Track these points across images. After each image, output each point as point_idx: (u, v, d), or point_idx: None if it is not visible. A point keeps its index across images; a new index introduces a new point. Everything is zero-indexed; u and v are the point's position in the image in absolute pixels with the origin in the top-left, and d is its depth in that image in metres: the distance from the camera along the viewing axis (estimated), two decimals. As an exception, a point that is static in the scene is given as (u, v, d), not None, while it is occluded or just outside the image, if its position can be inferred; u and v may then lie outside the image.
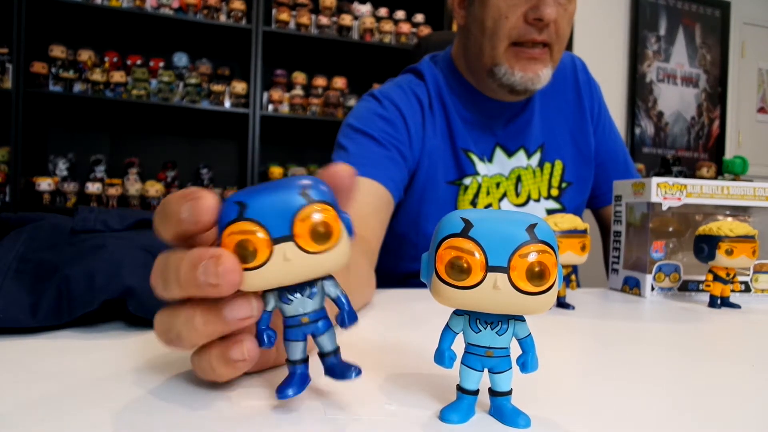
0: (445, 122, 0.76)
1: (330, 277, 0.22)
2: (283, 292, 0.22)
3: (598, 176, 0.84)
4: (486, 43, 0.69)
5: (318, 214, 0.20)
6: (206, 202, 0.21)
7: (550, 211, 0.78)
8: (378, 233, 0.66)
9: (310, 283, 0.22)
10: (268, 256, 0.20)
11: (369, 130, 0.71)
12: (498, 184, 0.76)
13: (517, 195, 0.77)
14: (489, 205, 0.75)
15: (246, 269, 0.20)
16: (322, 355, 0.23)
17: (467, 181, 0.75)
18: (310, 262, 0.20)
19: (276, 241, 0.20)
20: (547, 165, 0.78)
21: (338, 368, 0.22)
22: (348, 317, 0.22)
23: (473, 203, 0.74)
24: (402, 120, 0.73)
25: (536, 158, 0.78)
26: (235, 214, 0.20)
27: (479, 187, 0.75)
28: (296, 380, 0.22)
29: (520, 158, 0.78)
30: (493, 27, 0.67)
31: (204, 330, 0.22)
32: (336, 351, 0.23)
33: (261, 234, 0.20)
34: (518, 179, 0.77)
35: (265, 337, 0.22)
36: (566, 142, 0.80)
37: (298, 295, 0.22)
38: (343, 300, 0.22)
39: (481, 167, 0.76)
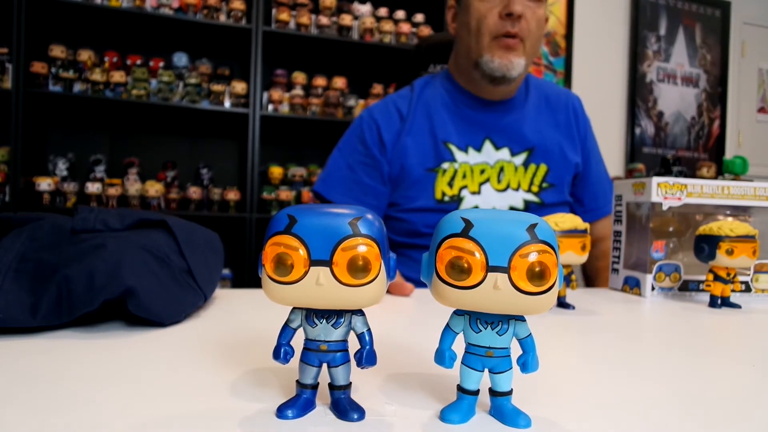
0: (428, 122, 0.88)
1: (361, 312, 0.22)
2: (310, 314, 0.22)
3: (589, 194, 0.94)
4: (472, 40, 0.83)
5: (360, 248, 0.20)
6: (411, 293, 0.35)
7: (526, 202, 0.87)
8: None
9: (339, 313, 0.22)
10: (302, 275, 0.20)
11: (346, 155, 0.87)
12: (483, 171, 0.87)
13: (499, 182, 0.87)
14: (464, 187, 0.85)
15: (279, 282, 0.20)
16: (332, 387, 0.22)
17: (445, 165, 0.86)
18: (342, 292, 0.20)
19: (314, 263, 0.20)
20: (532, 166, 0.88)
21: (343, 405, 0.22)
22: (366, 357, 0.22)
23: (450, 184, 0.85)
24: (377, 132, 0.87)
25: (521, 158, 0.88)
26: (283, 226, 0.20)
27: (455, 171, 0.85)
28: (300, 404, 0.22)
29: (504, 153, 0.88)
30: (477, 26, 0.82)
31: None
32: (347, 387, 0.22)
33: (302, 252, 0.20)
34: (501, 169, 0.87)
35: (282, 351, 0.22)
36: (554, 150, 0.90)
37: (324, 321, 0.22)
38: (368, 338, 0.22)
39: (460, 155, 0.87)
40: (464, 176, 0.85)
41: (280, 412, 0.22)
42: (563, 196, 0.90)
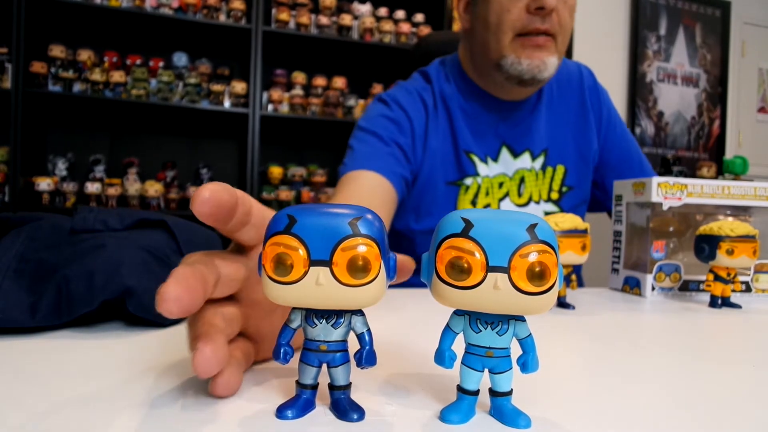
0: (449, 124, 0.77)
1: (361, 312, 0.22)
2: (310, 314, 0.22)
3: (614, 178, 0.84)
4: (491, 38, 0.70)
5: (360, 248, 0.20)
6: (201, 195, 0.21)
7: (547, 214, 0.80)
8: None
9: (339, 313, 0.22)
10: (302, 275, 0.20)
11: (375, 129, 0.73)
12: (501, 184, 0.77)
13: (519, 195, 0.78)
14: (488, 205, 0.76)
15: (279, 282, 0.20)
16: (332, 388, 0.22)
17: (468, 181, 0.77)
18: (341, 292, 0.20)
19: (314, 263, 0.20)
20: (549, 169, 0.80)
21: (343, 405, 0.22)
22: (366, 357, 0.22)
23: (473, 203, 0.76)
24: (408, 121, 0.75)
25: (540, 161, 0.79)
26: (283, 226, 0.20)
27: (479, 187, 0.76)
28: (299, 404, 0.22)
29: (525, 160, 0.79)
30: (497, 21, 0.69)
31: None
32: (347, 387, 0.22)
33: (301, 252, 0.20)
34: (522, 180, 0.78)
35: (281, 352, 0.22)
36: (569, 147, 0.81)
37: (323, 321, 0.22)
38: (367, 339, 0.22)
39: (482, 168, 0.77)
40: (487, 193, 0.76)
41: (280, 412, 0.22)
42: (581, 196, 0.83)
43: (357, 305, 0.21)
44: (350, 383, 0.23)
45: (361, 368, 0.22)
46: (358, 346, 0.22)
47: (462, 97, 0.78)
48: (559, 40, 0.70)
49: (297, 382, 0.23)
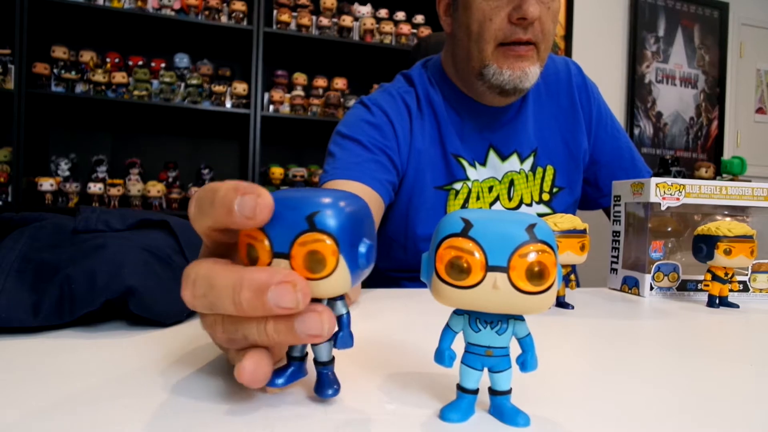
0: (436, 127, 0.77)
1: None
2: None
3: (606, 176, 0.85)
4: (473, 46, 0.70)
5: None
6: (266, 200, 0.20)
7: (540, 216, 0.79)
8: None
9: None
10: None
11: (356, 135, 0.72)
12: (491, 188, 0.76)
13: (510, 199, 0.77)
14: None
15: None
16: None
17: (458, 186, 0.76)
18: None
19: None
20: (539, 170, 0.79)
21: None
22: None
23: (463, 208, 0.76)
24: (390, 126, 0.74)
25: (529, 163, 0.79)
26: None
27: (469, 192, 0.75)
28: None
29: (514, 163, 0.78)
30: (479, 30, 0.68)
31: (276, 338, 0.21)
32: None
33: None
34: (511, 183, 0.78)
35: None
36: (558, 147, 0.80)
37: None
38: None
39: (472, 172, 0.76)
40: (478, 197, 0.75)
41: (270, 382, 0.22)
42: (573, 196, 0.83)
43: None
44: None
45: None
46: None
47: (447, 101, 0.78)
48: (541, 48, 0.69)
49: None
